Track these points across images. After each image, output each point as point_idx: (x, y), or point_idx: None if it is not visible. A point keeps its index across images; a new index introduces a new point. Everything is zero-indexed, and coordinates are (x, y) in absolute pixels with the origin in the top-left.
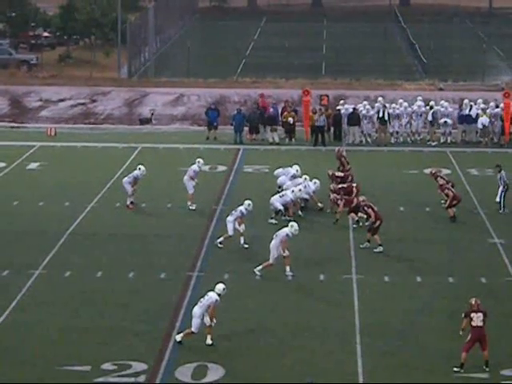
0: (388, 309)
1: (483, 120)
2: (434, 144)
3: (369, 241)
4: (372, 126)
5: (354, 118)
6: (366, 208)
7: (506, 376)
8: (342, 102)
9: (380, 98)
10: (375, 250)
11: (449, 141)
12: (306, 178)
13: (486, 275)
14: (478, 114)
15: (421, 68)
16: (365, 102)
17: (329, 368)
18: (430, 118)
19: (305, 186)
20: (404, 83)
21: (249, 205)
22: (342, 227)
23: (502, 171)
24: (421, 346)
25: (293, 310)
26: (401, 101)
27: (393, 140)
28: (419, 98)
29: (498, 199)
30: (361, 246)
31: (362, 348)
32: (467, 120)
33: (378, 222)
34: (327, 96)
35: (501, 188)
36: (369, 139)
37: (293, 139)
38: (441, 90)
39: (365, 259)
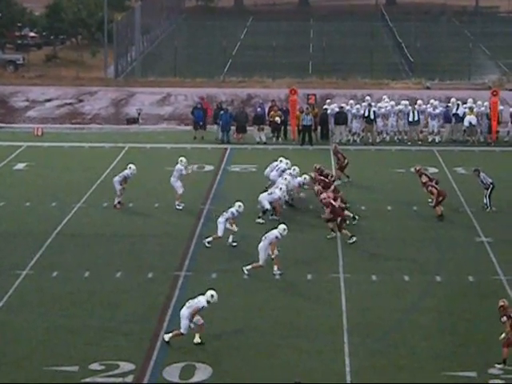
0: (376, 308)
1: (470, 119)
2: (419, 143)
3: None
4: (359, 125)
5: (341, 117)
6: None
7: (494, 375)
8: (328, 101)
9: (367, 97)
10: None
11: (437, 140)
12: (294, 169)
13: (474, 274)
14: (464, 113)
15: (407, 67)
16: (351, 101)
17: (316, 367)
18: (412, 117)
19: (290, 174)
20: (391, 82)
21: (239, 206)
22: (325, 226)
23: (481, 174)
24: (409, 345)
25: (281, 309)
26: (386, 99)
27: (378, 139)
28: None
29: (485, 201)
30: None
31: (350, 347)
32: (455, 119)
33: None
34: (314, 95)
35: (486, 191)
36: (356, 138)
37: (280, 138)
38: (428, 88)
39: (352, 258)
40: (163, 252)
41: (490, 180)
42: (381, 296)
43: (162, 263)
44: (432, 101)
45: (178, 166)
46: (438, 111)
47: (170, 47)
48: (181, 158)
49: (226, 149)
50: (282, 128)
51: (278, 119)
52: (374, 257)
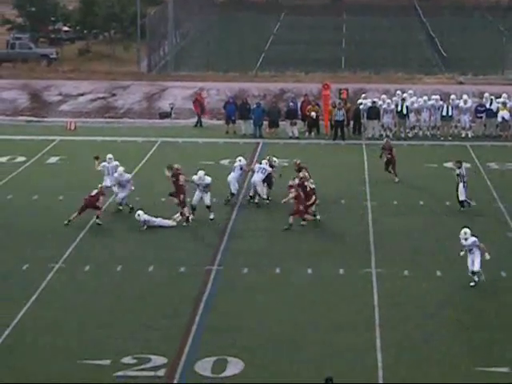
0: (408, 303)
1: (503, 114)
2: (450, 139)
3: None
4: (391, 120)
5: (374, 112)
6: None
7: None
8: (363, 95)
9: (399, 92)
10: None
11: (470, 135)
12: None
13: (507, 269)
14: (498, 108)
15: (440, 62)
16: (384, 96)
17: (348, 363)
18: (445, 112)
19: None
20: (423, 77)
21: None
22: (360, 220)
23: (463, 167)
24: (441, 340)
25: (312, 303)
26: (410, 92)
27: (411, 134)
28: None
29: (461, 198)
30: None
31: (382, 342)
32: (488, 114)
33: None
34: (346, 90)
35: (461, 185)
36: (389, 133)
37: (312, 133)
38: (461, 83)
39: (384, 253)
40: (196, 246)
41: (467, 177)
42: (413, 291)
43: (195, 257)
44: (464, 95)
45: (237, 164)
46: (469, 106)
47: (202, 41)
48: (239, 158)
49: (258, 143)
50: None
51: (314, 114)
52: (406, 251)
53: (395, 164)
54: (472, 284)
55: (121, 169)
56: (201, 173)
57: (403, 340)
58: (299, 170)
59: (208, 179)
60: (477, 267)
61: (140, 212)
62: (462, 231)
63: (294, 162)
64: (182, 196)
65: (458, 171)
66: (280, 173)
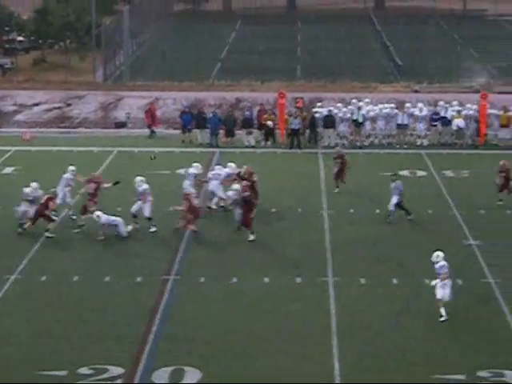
0: (365, 311)
1: (458, 122)
2: (405, 147)
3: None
4: (347, 128)
5: (329, 121)
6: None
7: (482, 377)
8: (319, 104)
9: (354, 100)
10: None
11: (425, 143)
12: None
13: (463, 277)
14: (453, 116)
15: (395, 70)
16: (339, 105)
17: (305, 371)
18: (400, 120)
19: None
20: (379, 85)
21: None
22: (316, 228)
23: (398, 180)
24: (398, 348)
25: (269, 312)
26: (367, 100)
27: (367, 142)
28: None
29: (391, 208)
30: None
31: (339, 350)
32: (443, 122)
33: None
34: (302, 98)
35: (395, 198)
36: (344, 141)
37: (269, 142)
38: (416, 92)
39: (341, 261)
40: (152, 256)
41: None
42: (370, 299)
43: (151, 267)
44: (419, 104)
45: (191, 170)
46: (424, 114)
47: (158, 51)
48: (195, 164)
49: (214, 152)
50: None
51: (270, 123)
52: (362, 260)
53: (344, 172)
54: (442, 319)
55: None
56: (137, 179)
57: (360, 348)
58: (249, 175)
59: (143, 187)
60: (446, 297)
61: (99, 213)
62: (435, 254)
63: (245, 169)
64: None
65: (392, 184)
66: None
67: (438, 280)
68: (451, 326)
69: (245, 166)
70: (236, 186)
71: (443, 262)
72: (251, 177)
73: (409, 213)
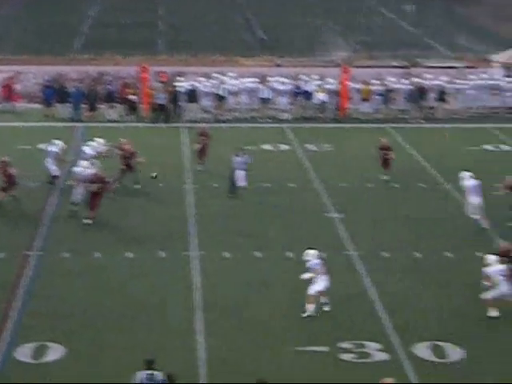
0: (228, 284)
1: (320, 96)
2: (269, 121)
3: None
4: (211, 103)
5: (192, 95)
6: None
7: (345, 348)
8: (179, 78)
9: (216, 75)
10: None
11: (287, 117)
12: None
13: (324, 249)
14: (315, 90)
15: (258, 44)
16: (202, 79)
17: (170, 345)
18: (263, 94)
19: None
20: (242, 59)
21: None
22: (179, 203)
23: (245, 155)
24: (261, 320)
25: (133, 287)
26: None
27: (230, 116)
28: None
29: (242, 184)
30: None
31: (204, 324)
32: (305, 96)
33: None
34: (166, 73)
35: (243, 172)
36: (208, 115)
37: (132, 116)
38: (278, 66)
39: (204, 235)
40: (14, 231)
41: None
42: (233, 272)
43: (13, 242)
44: (281, 78)
45: (53, 147)
46: (287, 88)
47: (17, 24)
48: (54, 141)
49: (76, 127)
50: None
51: (133, 97)
52: (226, 233)
53: (206, 152)
54: (305, 315)
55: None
56: None
57: (224, 321)
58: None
59: None
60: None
61: None
62: (305, 253)
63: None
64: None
65: (237, 159)
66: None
67: (311, 274)
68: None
69: (122, 140)
70: (86, 163)
71: (315, 261)
72: (126, 150)
73: (233, 191)
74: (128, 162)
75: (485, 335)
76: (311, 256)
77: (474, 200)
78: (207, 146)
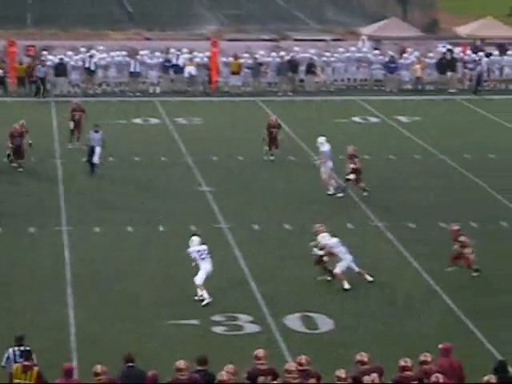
0: (100, 259)
1: (190, 69)
2: (139, 94)
3: None
4: (79, 77)
5: (61, 69)
6: None
7: (217, 321)
8: (45, 52)
9: (84, 48)
10: None
11: (158, 91)
12: None
13: (196, 223)
14: (184, 63)
15: (127, 17)
16: (70, 53)
17: (40, 320)
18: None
19: None
20: (110, 33)
21: None
22: (49, 178)
23: (100, 131)
24: (133, 294)
25: (6, 264)
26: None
27: (99, 90)
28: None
29: (96, 160)
30: None
31: (75, 299)
32: (175, 69)
33: None
34: (34, 47)
35: (99, 148)
36: (77, 90)
37: (0, 90)
38: (148, 39)
39: (75, 210)
40: None
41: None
42: (104, 247)
43: None
44: (150, 51)
45: None
46: (156, 62)
47: None
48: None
49: None
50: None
51: (0, 71)
52: (96, 209)
53: (81, 128)
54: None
55: None
56: None
57: (94, 296)
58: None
59: None
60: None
61: None
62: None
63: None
64: None
65: (93, 135)
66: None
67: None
68: (188, 271)
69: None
70: None
71: (201, 247)
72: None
73: (92, 169)
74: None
75: (352, 306)
76: (195, 242)
77: (330, 164)
78: (81, 122)
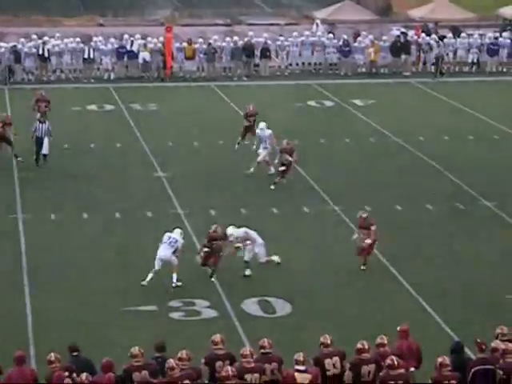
0: (56, 247)
1: (144, 55)
2: (93, 81)
3: None
4: (33, 64)
5: (15, 56)
6: None
7: (174, 307)
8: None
9: (34, 36)
10: None
11: (112, 77)
12: None
13: (153, 209)
14: (139, 49)
15: (80, 3)
16: (23, 40)
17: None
18: (86, 55)
19: None
20: (63, 19)
21: None
22: (3, 167)
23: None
24: (90, 281)
25: None
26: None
27: (53, 77)
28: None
29: (45, 151)
30: None
31: (31, 288)
32: (129, 55)
33: None
34: None
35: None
36: (31, 77)
37: None
38: (101, 25)
39: (30, 198)
40: None
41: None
42: (60, 235)
43: None
44: (103, 38)
45: None
46: (111, 48)
47: None
48: None
49: None
50: None
51: None
52: (52, 196)
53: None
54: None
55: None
56: None
57: (52, 284)
58: None
59: None
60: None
61: None
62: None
63: None
64: None
65: (40, 126)
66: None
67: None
68: (139, 258)
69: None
70: None
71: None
72: None
73: (44, 159)
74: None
75: (309, 290)
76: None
77: (269, 149)
78: (46, 113)
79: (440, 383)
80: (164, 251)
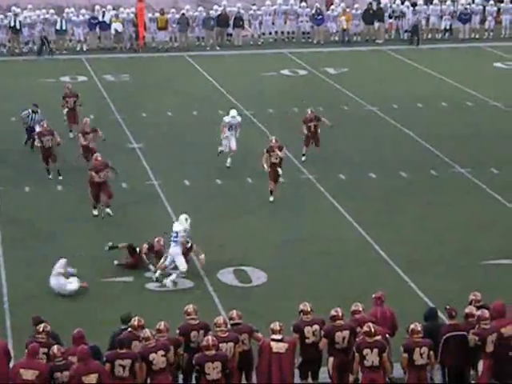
0: (31, 220)
1: (116, 26)
2: (66, 52)
3: None
4: (5, 36)
5: None
6: None
7: (149, 278)
8: None
9: (13, 8)
10: None
11: (85, 48)
12: None
13: (128, 180)
14: (111, 20)
15: None
16: None
17: None
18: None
19: None
20: None
21: None
22: None
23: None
24: (68, 253)
25: None
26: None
27: (26, 49)
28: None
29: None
30: None
31: (5, 259)
32: (101, 26)
33: None
34: None
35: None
36: (3, 49)
37: None
38: None
39: (5, 171)
40: None
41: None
42: (36, 207)
43: None
44: (75, 9)
45: None
46: (83, 19)
47: None
48: None
49: None
50: None
51: None
52: (27, 168)
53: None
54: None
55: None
56: None
57: (27, 255)
58: None
59: None
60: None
61: None
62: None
63: None
64: None
65: (32, 116)
66: None
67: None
68: (120, 230)
69: None
70: None
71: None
72: None
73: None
74: None
75: (285, 258)
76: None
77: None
78: (76, 109)
79: (411, 350)
80: (171, 248)
